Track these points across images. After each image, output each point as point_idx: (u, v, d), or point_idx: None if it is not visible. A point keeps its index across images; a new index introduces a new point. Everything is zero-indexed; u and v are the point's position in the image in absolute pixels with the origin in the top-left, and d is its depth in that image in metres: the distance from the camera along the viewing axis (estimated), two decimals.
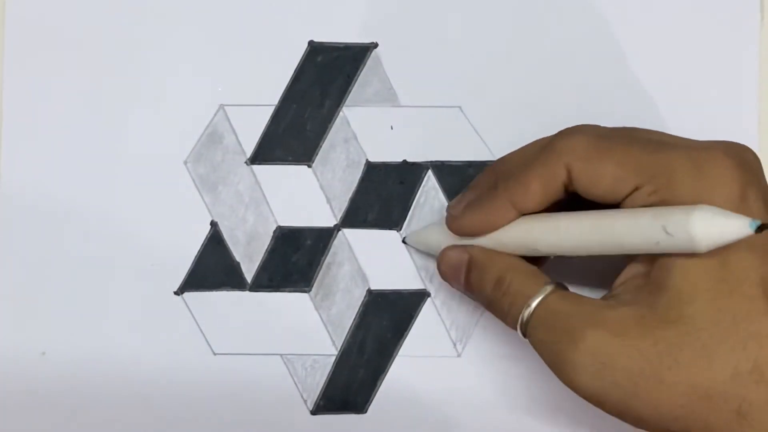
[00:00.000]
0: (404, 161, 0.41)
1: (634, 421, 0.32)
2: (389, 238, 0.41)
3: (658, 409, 0.31)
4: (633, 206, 0.32)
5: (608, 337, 0.31)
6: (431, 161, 0.41)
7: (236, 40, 0.41)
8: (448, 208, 0.37)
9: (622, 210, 0.32)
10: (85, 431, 0.40)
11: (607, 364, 0.31)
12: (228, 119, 0.41)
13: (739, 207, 0.30)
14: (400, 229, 0.41)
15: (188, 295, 0.41)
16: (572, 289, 0.35)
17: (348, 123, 0.41)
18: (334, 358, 0.41)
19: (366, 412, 0.41)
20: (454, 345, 0.41)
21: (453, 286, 0.37)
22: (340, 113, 0.41)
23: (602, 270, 0.35)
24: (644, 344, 0.31)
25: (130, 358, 0.41)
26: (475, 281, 0.35)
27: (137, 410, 0.40)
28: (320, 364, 0.41)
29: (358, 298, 0.41)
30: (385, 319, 0.41)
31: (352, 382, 0.41)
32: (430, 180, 0.41)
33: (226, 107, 0.41)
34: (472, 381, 0.40)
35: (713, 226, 0.29)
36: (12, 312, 0.41)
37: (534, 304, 0.33)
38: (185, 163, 0.41)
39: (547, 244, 0.34)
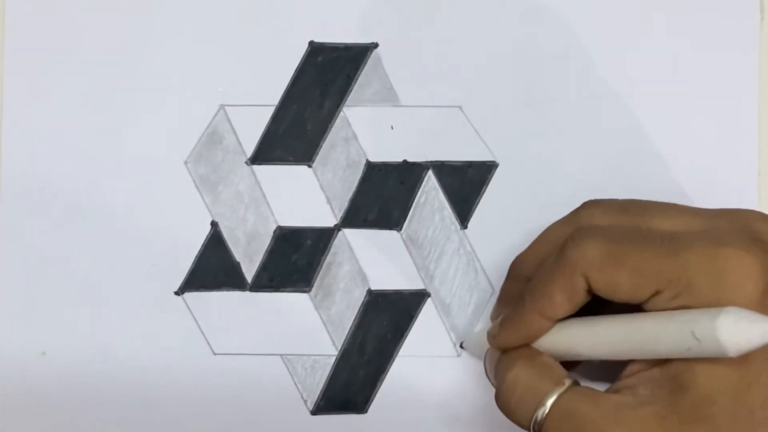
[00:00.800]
0: (404, 161, 0.41)
1: None
2: (389, 238, 0.41)
3: None
4: (655, 308, 0.31)
5: None
6: (431, 161, 0.41)
7: (236, 40, 0.41)
8: (490, 321, 0.37)
9: (651, 315, 0.31)
10: (85, 431, 0.40)
11: None
12: (228, 119, 0.41)
13: (763, 303, 0.30)
14: (400, 229, 0.41)
15: (188, 295, 0.41)
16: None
17: (348, 123, 0.41)
18: (334, 358, 0.41)
19: (366, 412, 0.41)
20: (454, 345, 0.41)
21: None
22: (341, 113, 0.41)
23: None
24: None
25: (130, 358, 0.41)
26: (496, 373, 0.35)
27: (137, 410, 0.40)
28: (320, 364, 0.41)
29: (358, 298, 0.41)
30: (385, 319, 0.41)
31: (352, 382, 0.41)
32: (430, 180, 0.41)
33: (226, 107, 0.41)
34: (472, 381, 0.40)
35: (740, 331, 0.28)
36: (12, 312, 0.41)
37: (549, 402, 0.32)
38: (185, 163, 0.41)
39: (585, 350, 0.33)
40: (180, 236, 0.41)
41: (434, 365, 0.41)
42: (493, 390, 0.35)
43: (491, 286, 0.41)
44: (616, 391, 0.32)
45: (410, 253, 0.41)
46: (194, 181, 0.41)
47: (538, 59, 0.41)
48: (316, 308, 0.41)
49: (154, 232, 0.41)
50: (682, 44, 0.41)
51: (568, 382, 0.32)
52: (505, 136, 0.41)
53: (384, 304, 0.41)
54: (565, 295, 0.32)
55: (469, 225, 0.41)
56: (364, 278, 0.41)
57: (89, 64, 0.41)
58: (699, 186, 0.40)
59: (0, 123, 0.41)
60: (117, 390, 0.41)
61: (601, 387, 0.33)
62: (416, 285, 0.41)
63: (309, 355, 0.41)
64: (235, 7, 0.41)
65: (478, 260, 0.41)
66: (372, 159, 0.41)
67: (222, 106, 0.41)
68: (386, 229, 0.41)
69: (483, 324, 0.41)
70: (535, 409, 0.32)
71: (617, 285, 0.31)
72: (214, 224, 0.41)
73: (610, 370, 0.34)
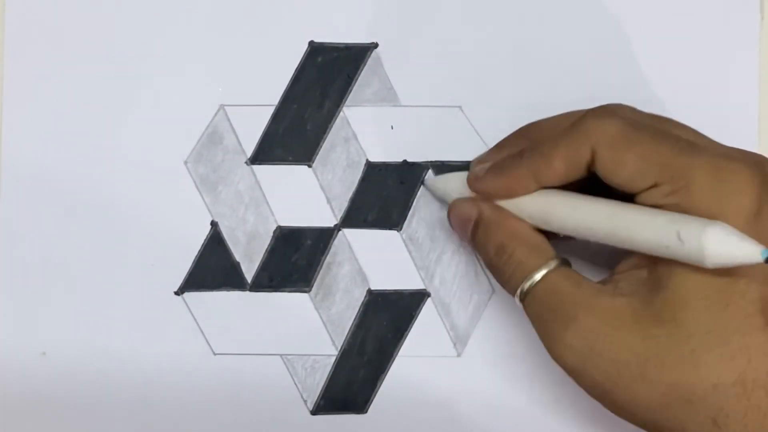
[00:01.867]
0: (404, 161, 0.41)
1: (612, 407, 0.33)
2: (389, 238, 0.41)
3: (635, 400, 0.31)
4: (648, 202, 0.32)
5: (600, 325, 0.32)
6: (431, 161, 0.41)
7: (236, 40, 0.41)
8: (472, 165, 0.37)
9: (639, 207, 0.32)
10: (85, 431, 0.40)
11: (594, 348, 0.32)
12: (228, 119, 0.41)
13: (753, 223, 0.30)
14: (400, 229, 0.41)
15: (188, 295, 0.41)
16: (575, 265, 0.35)
17: (348, 123, 0.41)
18: (334, 358, 0.41)
19: (366, 412, 0.41)
20: (454, 345, 0.41)
21: (460, 239, 0.38)
22: (340, 113, 0.41)
23: (607, 251, 0.35)
24: (634, 338, 0.31)
25: (130, 358, 0.41)
26: (480, 241, 0.36)
27: (137, 410, 0.40)
28: (320, 364, 0.41)
29: (358, 298, 0.41)
30: (385, 319, 0.41)
31: (352, 382, 0.41)
32: None
33: (226, 107, 0.41)
34: (472, 381, 0.40)
35: (725, 245, 0.29)
36: (12, 312, 0.41)
37: (536, 278, 0.34)
38: (185, 163, 0.41)
39: (559, 222, 0.34)
40: (180, 236, 0.41)
41: (434, 365, 0.41)
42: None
43: (491, 286, 0.41)
44: (602, 282, 0.34)
45: (410, 253, 0.41)
46: (194, 181, 0.41)
47: (538, 59, 0.41)
48: (316, 308, 0.41)
49: (154, 233, 0.41)
50: (682, 44, 0.41)
51: (554, 263, 0.34)
52: (504, 137, 0.41)
53: (384, 304, 0.41)
54: (565, 162, 0.33)
55: None
56: (364, 278, 0.41)
57: (89, 63, 0.41)
58: None
59: (0, 123, 0.41)
60: (117, 390, 0.41)
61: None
62: (416, 285, 0.41)
63: (309, 355, 0.41)
64: (235, 7, 0.41)
65: (478, 260, 0.41)
66: (372, 159, 0.41)
67: (222, 106, 0.41)
68: (386, 229, 0.41)
69: (484, 324, 0.41)
70: (523, 281, 0.34)
71: (621, 166, 0.32)
72: (214, 224, 0.41)
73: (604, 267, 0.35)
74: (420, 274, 0.41)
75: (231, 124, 0.41)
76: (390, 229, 0.41)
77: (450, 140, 0.41)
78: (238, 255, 0.41)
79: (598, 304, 0.32)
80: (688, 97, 0.41)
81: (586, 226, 0.33)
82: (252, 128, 0.41)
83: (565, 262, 0.34)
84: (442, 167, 0.41)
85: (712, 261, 0.29)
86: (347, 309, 0.41)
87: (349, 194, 0.41)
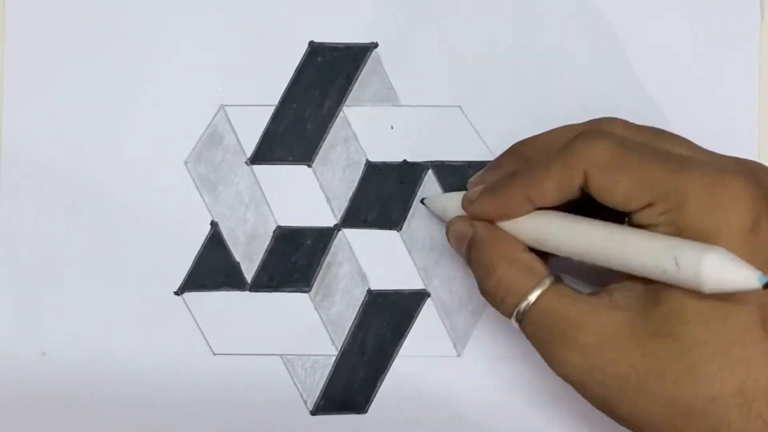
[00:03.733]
0: (404, 161, 0.41)
1: (616, 419, 0.33)
2: (389, 238, 0.41)
3: (637, 413, 0.32)
4: (644, 222, 0.32)
5: (599, 341, 0.32)
6: (431, 161, 0.41)
7: (237, 40, 0.41)
8: (468, 186, 0.37)
9: (636, 230, 0.32)
10: (85, 431, 0.41)
11: (596, 365, 0.32)
12: (228, 119, 0.41)
13: (748, 238, 0.30)
14: (400, 229, 0.41)
15: (188, 295, 0.41)
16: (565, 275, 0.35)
17: (348, 123, 0.41)
18: (334, 358, 0.41)
19: (366, 412, 0.41)
20: (454, 345, 0.41)
21: (461, 257, 0.38)
22: (340, 113, 0.41)
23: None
24: (633, 354, 0.31)
25: (130, 358, 0.41)
26: (473, 261, 0.36)
27: (137, 410, 0.41)
28: (320, 364, 0.41)
29: (358, 298, 0.41)
30: (385, 319, 0.41)
31: (352, 382, 0.41)
32: (430, 180, 0.41)
33: (226, 107, 0.41)
34: (472, 381, 0.41)
35: (723, 272, 0.29)
36: (12, 312, 0.41)
37: (530, 300, 0.34)
38: (185, 163, 0.41)
39: (556, 243, 0.34)
40: (180, 236, 0.41)
41: (434, 365, 0.41)
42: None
43: None
44: (595, 294, 0.33)
45: (410, 253, 0.41)
46: (194, 181, 0.41)
47: (539, 59, 0.41)
48: (316, 308, 0.41)
49: (154, 232, 0.41)
50: (682, 45, 0.41)
51: (548, 282, 0.34)
52: (505, 136, 0.41)
53: (384, 304, 0.41)
54: (558, 185, 0.33)
55: None
56: (364, 278, 0.41)
57: (89, 64, 0.41)
58: None
59: (0, 122, 0.41)
60: (117, 390, 0.41)
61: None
62: (416, 285, 0.41)
63: (309, 355, 0.41)
64: (235, 7, 0.41)
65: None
66: (372, 159, 0.41)
67: (222, 106, 0.41)
68: (386, 229, 0.41)
69: (484, 324, 0.41)
70: (518, 304, 0.34)
71: (614, 188, 0.32)
72: (214, 224, 0.41)
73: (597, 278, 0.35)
74: (420, 274, 0.41)
75: (231, 124, 0.41)
76: (390, 229, 0.41)
77: (450, 140, 0.41)
78: (238, 255, 0.41)
79: (595, 321, 0.32)
80: (688, 97, 0.41)
81: (583, 249, 0.33)
82: (252, 128, 0.41)
83: (557, 279, 0.34)
84: (442, 167, 0.41)
85: (710, 287, 0.29)
86: (347, 309, 0.41)
87: (349, 194, 0.41)
